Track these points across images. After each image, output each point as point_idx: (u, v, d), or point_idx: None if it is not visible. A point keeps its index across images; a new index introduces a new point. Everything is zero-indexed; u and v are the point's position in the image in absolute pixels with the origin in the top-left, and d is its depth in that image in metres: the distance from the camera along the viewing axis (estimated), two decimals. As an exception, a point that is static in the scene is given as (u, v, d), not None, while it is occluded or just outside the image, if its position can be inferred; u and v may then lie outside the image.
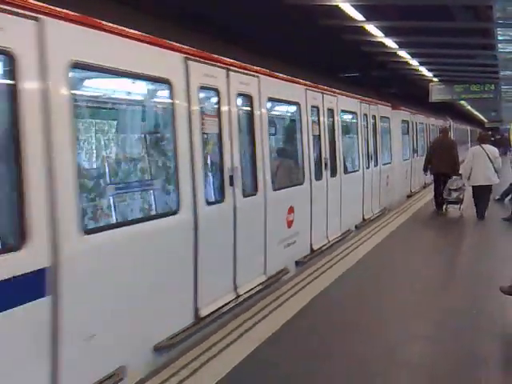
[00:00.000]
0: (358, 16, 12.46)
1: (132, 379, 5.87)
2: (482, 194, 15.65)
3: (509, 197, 17.94)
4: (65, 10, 5.32)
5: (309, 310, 7.91)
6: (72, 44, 5.47)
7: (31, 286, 4.91)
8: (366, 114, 16.32)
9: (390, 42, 15.76)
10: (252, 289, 8.90)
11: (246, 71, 9.06)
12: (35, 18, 4.93)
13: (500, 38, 15.25)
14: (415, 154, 23.10)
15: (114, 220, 7.32)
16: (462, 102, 33.82)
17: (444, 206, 16.87)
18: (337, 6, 11.52)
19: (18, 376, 4.73)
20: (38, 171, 4.92)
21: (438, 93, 24.09)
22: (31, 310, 4.84)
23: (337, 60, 16.22)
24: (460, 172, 16.76)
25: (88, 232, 5.60)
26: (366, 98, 16.42)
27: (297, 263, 10.98)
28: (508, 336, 7.27)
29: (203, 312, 7.53)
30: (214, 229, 7.74)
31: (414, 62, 19.89)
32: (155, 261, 6.55)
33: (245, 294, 8.65)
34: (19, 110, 4.76)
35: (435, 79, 24.28)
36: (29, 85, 4.90)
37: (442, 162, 16.56)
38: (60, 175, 5.14)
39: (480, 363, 6.23)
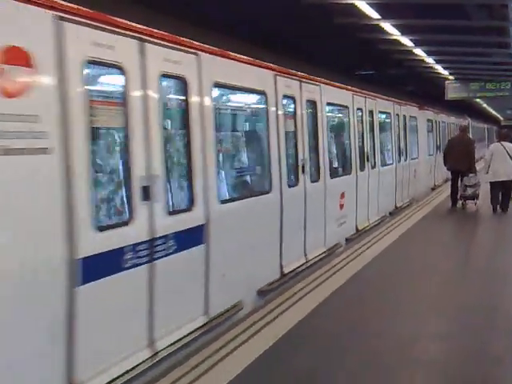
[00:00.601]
0: (373, 14, 12.58)
1: (245, 311, 8.01)
2: (502, 189, 16.20)
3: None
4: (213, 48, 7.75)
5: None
6: (216, 70, 7.79)
7: (196, 236, 7.12)
8: (397, 114, 18.49)
9: (406, 40, 15.84)
10: (316, 256, 11.03)
11: (312, 82, 11.25)
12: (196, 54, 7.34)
13: (515, 36, 15.32)
14: (438, 151, 24.42)
15: (237, 195, 9.37)
16: (478, 100, 33.75)
17: (461, 202, 17.28)
18: (352, 4, 11.64)
19: (188, 289, 7.05)
20: (200, 160, 7.31)
21: (453, 91, 24.16)
22: (196, 252, 7.08)
23: (353, 58, 16.34)
24: (478, 169, 17.37)
25: (223, 202, 7.94)
26: (399, 101, 18.63)
27: (346, 240, 13.09)
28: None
29: (285, 270, 9.81)
30: (292, 205, 9.92)
31: (430, 60, 19.95)
32: (259, 225, 8.96)
33: (312, 259, 10.79)
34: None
35: (451, 77, 24.32)
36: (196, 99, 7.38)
37: (459, 160, 16.96)
38: (210, 167, 7.56)
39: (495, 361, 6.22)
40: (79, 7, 5.42)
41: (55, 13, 5.13)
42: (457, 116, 31.45)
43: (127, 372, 5.78)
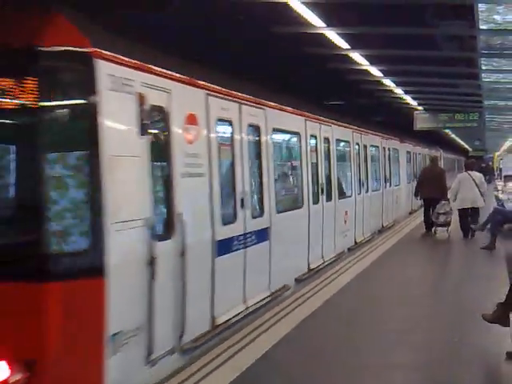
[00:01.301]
0: (343, 44, 12.54)
1: (289, 292, 10.86)
2: (468, 216, 17.10)
3: (487, 226, 17.85)
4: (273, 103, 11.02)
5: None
6: (272, 119, 10.82)
7: (264, 234, 10.14)
8: (384, 148, 21.35)
9: (375, 71, 15.86)
10: (330, 258, 13.94)
11: (328, 123, 14.48)
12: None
13: (484, 67, 15.40)
14: (415, 179, 25.68)
15: (284, 208, 11.65)
16: (447, 130, 34.02)
17: (433, 229, 18.06)
18: (322, 34, 11.59)
19: (261, 271, 10.03)
20: (267, 183, 10.58)
21: (422, 121, 24.29)
22: (263, 246, 10.09)
23: (322, 88, 16.32)
24: (448, 197, 18.13)
25: (278, 212, 10.90)
26: (386, 135, 21.53)
27: (348, 249, 15.80)
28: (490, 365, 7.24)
29: (311, 266, 12.75)
30: (314, 218, 12.98)
31: (399, 91, 20.04)
32: (296, 228, 12.07)
33: (327, 260, 13.72)
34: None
35: (420, 107, 24.47)
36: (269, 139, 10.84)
37: (431, 188, 18.01)
38: (272, 187, 10.79)
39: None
40: (215, 87, 8.64)
41: (205, 91, 8.33)
42: (430, 148, 33.72)
43: (236, 315, 8.91)
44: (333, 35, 11.88)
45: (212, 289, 8.17)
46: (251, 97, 9.96)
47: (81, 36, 5.90)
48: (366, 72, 15.91)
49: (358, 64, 14.77)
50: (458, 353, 7.46)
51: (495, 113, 26.89)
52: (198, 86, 8.22)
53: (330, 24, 11.05)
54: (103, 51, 6.02)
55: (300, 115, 12.55)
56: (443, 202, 17.60)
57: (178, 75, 7.56)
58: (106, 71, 6.03)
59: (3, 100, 5.83)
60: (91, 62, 5.86)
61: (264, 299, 9.95)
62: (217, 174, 8.44)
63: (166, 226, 7.12)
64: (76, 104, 6.04)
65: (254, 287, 9.56)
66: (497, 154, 64.46)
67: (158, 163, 7.07)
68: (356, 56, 14.01)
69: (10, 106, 5.89)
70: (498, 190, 31.70)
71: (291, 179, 13.20)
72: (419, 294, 10.76)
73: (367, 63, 14.79)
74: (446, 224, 17.63)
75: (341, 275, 12.05)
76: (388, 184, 21.57)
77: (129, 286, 6.24)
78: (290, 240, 11.42)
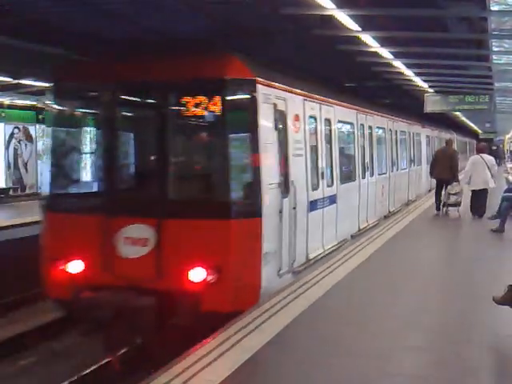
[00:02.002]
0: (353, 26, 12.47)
1: (348, 245, 14.01)
2: (479, 196, 18.27)
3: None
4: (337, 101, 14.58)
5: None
6: (338, 113, 14.48)
7: (333, 199, 13.67)
8: (409, 133, 24.80)
9: (386, 52, 15.77)
10: (372, 222, 17.65)
11: (371, 114, 18.27)
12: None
13: (494, 49, 15.30)
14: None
15: (344, 180, 14.91)
16: (457, 112, 33.86)
17: (444, 209, 19.32)
18: (331, 15, 11.53)
19: (331, 225, 13.71)
20: (335, 160, 14.25)
21: (432, 104, 24.17)
22: (333, 207, 13.62)
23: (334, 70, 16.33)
24: (460, 178, 19.38)
25: (341, 183, 14.38)
26: (411, 122, 25.28)
27: (384, 217, 19.51)
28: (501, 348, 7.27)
29: (361, 227, 16.58)
30: (363, 189, 16.70)
31: (409, 73, 19.94)
32: (351, 197, 15.56)
33: (370, 224, 17.31)
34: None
35: (430, 90, 24.32)
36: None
37: (443, 169, 19.22)
38: (338, 164, 14.31)
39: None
40: (308, 93, 12.18)
41: (303, 97, 11.96)
42: (445, 132, 36.50)
43: (318, 255, 12.48)
44: (343, 17, 11.81)
45: (306, 234, 11.76)
46: (325, 98, 13.64)
47: (248, 69, 9.79)
48: (376, 54, 15.83)
49: (368, 46, 14.69)
50: (468, 335, 7.50)
51: (506, 95, 26.70)
52: (299, 94, 11.82)
53: (339, 6, 10.99)
54: (259, 78, 9.79)
55: (353, 109, 16.24)
56: (454, 182, 18.73)
57: (289, 88, 11.16)
58: (261, 91, 9.80)
59: (204, 109, 9.55)
60: (254, 85, 9.68)
61: (333, 247, 13.57)
62: (308, 154, 12.11)
63: (286, 188, 10.59)
64: (246, 110, 9.86)
65: (328, 237, 13.32)
66: (507, 136, 64.16)
67: (282, 147, 10.61)
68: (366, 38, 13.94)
69: (209, 112, 9.64)
70: (508, 173, 31.58)
71: (348, 159, 16.26)
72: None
73: (377, 45, 14.70)
74: (457, 204, 18.86)
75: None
76: (412, 164, 25.15)
77: (271, 224, 9.95)
78: (347, 205, 15.11)
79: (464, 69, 19.05)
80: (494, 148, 55.46)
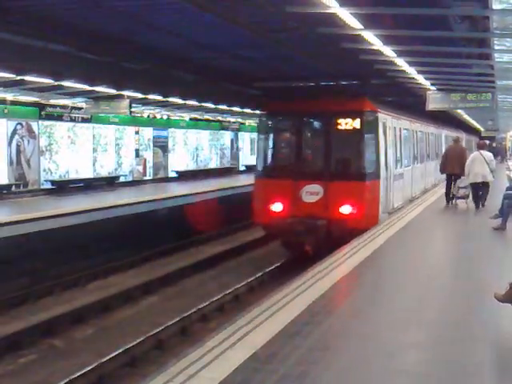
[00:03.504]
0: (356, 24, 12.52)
1: (407, 205, 22.69)
2: (479, 189, 20.24)
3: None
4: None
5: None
6: (407, 123, 25.54)
7: (401, 176, 23.16)
8: (430, 133, 32.44)
9: (388, 51, 15.80)
10: (416, 195, 25.89)
11: (417, 122, 27.72)
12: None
13: (496, 47, 15.33)
14: None
15: (406, 165, 24.04)
16: (459, 110, 33.87)
17: (454, 201, 21.61)
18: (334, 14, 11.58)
19: (400, 192, 22.79)
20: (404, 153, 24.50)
21: (434, 101, 24.13)
22: (402, 181, 22.91)
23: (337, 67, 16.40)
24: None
25: (405, 167, 23.87)
26: (430, 123, 32.52)
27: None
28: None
29: (413, 195, 24.97)
30: (413, 172, 25.79)
31: (412, 71, 19.96)
32: (408, 176, 24.45)
33: (415, 196, 25.40)
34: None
35: (432, 88, 24.33)
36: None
37: (454, 165, 21.39)
38: (405, 155, 24.70)
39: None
40: (391, 113, 21.68)
41: (391, 117, 21.44)
42: (455, 131, 41.33)
43: (397, 206, 21.65)
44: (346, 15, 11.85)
45: (392, 193, 20.54)
46: (397, 115, 22.40)
47: (373, 105, 19.46)
48: (379, 52, 15.85)
49: (371, 44, 14.73)
50: (470, 332, 7.53)
51: (508, 93, 26.72)
52: (389, 115, 20.73)
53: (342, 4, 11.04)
54: (379, 109, 19.48)
55: (408, 120, 25.09)
56: (463, 177, 20.44)
57: (387, 112, 20.91)
58: (379, 117, 19.38)
59: (352, 125, 19.07)
60: (377, 114, 19.40)
61: (403, 203, 22.23)
62: (393, 148, 21.12)
63: (386, 167, 19.94)
64: (373, 129, 19.34)
65: (400, 198, 22.15)
66: (509, 134, 64.16)
67: (385, 144, 19.89)
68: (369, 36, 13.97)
69: (353, 129, 19.14)
70: (510, 170, 31.61)
71: (408, 152, 25.00)
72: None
73: (380, 43, 14.74)
74: (466, 197, 21.12)
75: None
76: (429, 159, 31.64)
77: (383, 185, 19.53)
78: (407, 181, 23.83)
79: (466, 67, 19.08)
80: (494, 145, 55.50)
